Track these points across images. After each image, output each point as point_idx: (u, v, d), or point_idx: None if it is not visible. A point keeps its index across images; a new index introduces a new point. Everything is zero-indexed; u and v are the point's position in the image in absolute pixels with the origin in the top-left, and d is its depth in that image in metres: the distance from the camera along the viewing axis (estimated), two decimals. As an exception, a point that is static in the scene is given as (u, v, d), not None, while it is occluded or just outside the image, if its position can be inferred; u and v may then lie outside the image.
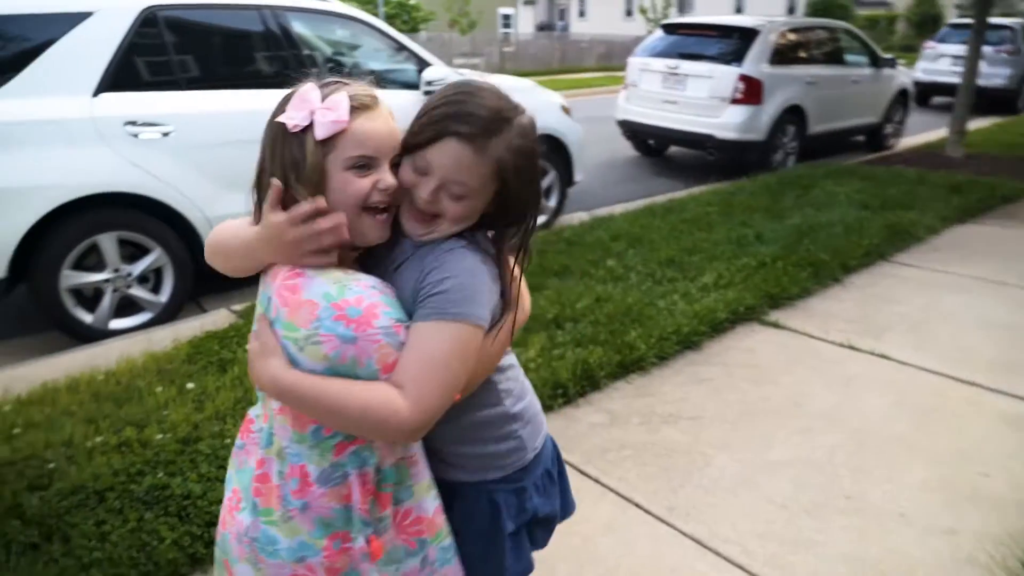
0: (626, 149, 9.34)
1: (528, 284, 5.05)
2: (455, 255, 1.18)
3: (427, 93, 5.07)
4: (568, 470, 2.83)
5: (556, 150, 5.93)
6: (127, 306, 4.07)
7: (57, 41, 3.76)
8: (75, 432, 2.76)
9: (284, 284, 1.13)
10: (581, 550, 2.34)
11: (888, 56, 9.69)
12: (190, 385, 3.15)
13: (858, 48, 9.35)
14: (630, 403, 3.25)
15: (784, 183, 7.08)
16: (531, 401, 1.46)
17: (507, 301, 1.25)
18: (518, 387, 1.41)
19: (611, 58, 23.58)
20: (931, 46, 14.80)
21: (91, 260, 3.92)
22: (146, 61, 4.07)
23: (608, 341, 3.63)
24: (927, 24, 47.67)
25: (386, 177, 1.17)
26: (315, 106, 1.16)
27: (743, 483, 2.69)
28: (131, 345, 3.64)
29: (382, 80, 5.02)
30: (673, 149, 9.50)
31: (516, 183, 1.19)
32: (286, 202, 1.15)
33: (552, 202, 6.07)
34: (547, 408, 3.14)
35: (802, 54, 8.38)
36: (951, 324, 4.09)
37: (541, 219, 5.96)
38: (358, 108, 1.17)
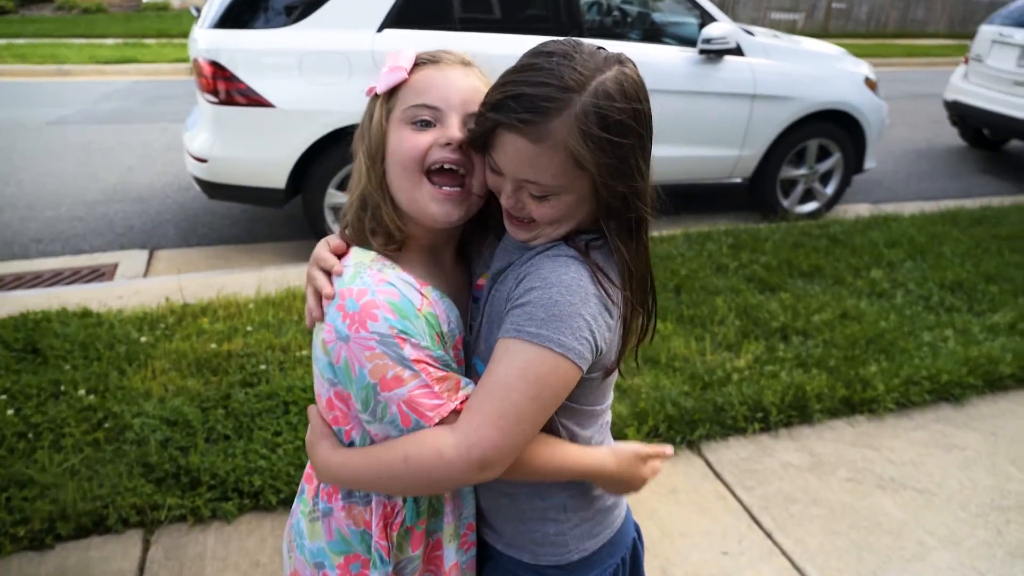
0: (951, 137, 7.78)
1: (766, 282, 4.48)
2: (555, 264, 0.95)
3: (703, 52, 4.64)
4: (738, 511, 2.52)
5: (848, 128, 5.11)
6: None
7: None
8: (292, 340, 3.09)
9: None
10: (720, 610, 2.04)
11: None
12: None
13: None
14: (843, 451, 2.73)
15: None
16: (606, 495, 1.17)
17: (623, 345, 1.01)
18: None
19: (967, 23, 19.71)
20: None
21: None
22: (429, 1, 4.25)
23: (838, 369, 3.07)
24: None
25: (450, 131, 0.99)
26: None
27: None
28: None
29: (658, 34, 4.65)
30: (1014, 143, 7.69)
31: (603, 169, 0.92)
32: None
33: (830, 189, 5.29)
34: (740, 430, 2.77)
35: None
36: None
37: (810, 206, 5.24)
38: (429, 62, 1.03)
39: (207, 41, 3.98)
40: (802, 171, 5.18)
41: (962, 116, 7.32)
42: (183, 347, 3.01)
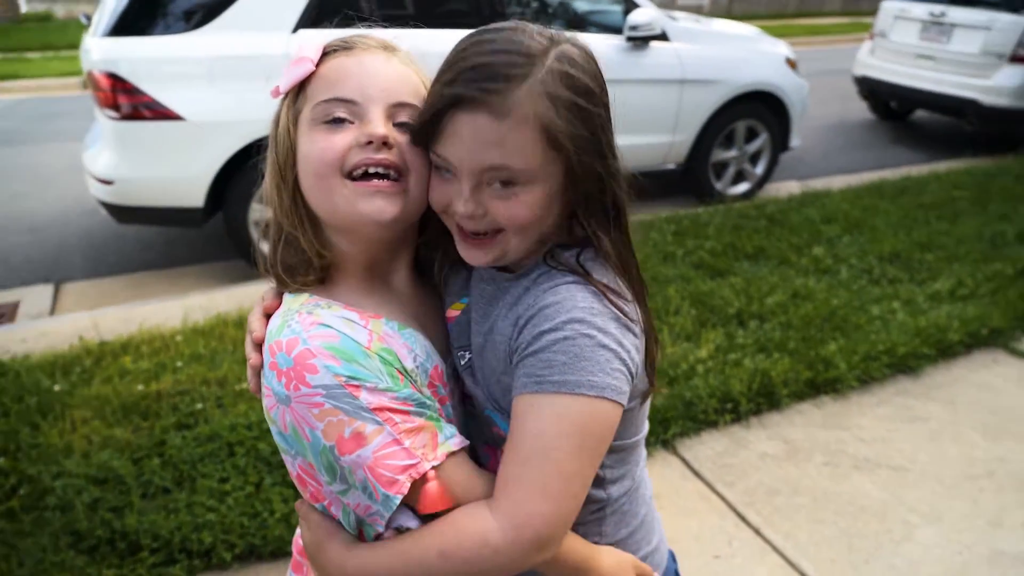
0: (860, 111, 8.05)
1: (714, 267, 4.44)
2: (556, 296, 0.81)
3: (630, 39, 4.58)
4: (723, 510, 2.44)
5: (772, 109, 5.17)
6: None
7: (262, -24, 3.80)
8: (229, 372, 2.82)
9: None
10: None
11: None
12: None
13: None
14: (815, 434, 2.70)
15: (1068, 167, 5.66)
16: (654, 548, 1.03)
17: (652, 363, 0.88)
18: (624, 527, 0.98)
19: (860, 2, 20.75)
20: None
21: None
22: (344, -2, 4.01)
23: (799, 351, 3.05)
24: None
25: (371, 126, 0.82)
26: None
27: (955, 575, 2.09)
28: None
29: (583, 23, 4.51)
30: (918, 114, 8.04)
31: (578, 143, 0.80)
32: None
33: (759, 169, 5.34)
34: (711, 423, 2.70)
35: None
36: None
37: (742, 187, 5.28)
38: (341, 48, 0.87)
39: (102, 52, 3.63)
40: (732, 153, 5.21)
41: (871, 90, 7.59)
42: (105, 392, 2.70)
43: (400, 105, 0.85)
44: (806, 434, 2.70)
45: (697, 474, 2.49)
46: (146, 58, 3.66)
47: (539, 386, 0.78)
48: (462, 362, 0.94)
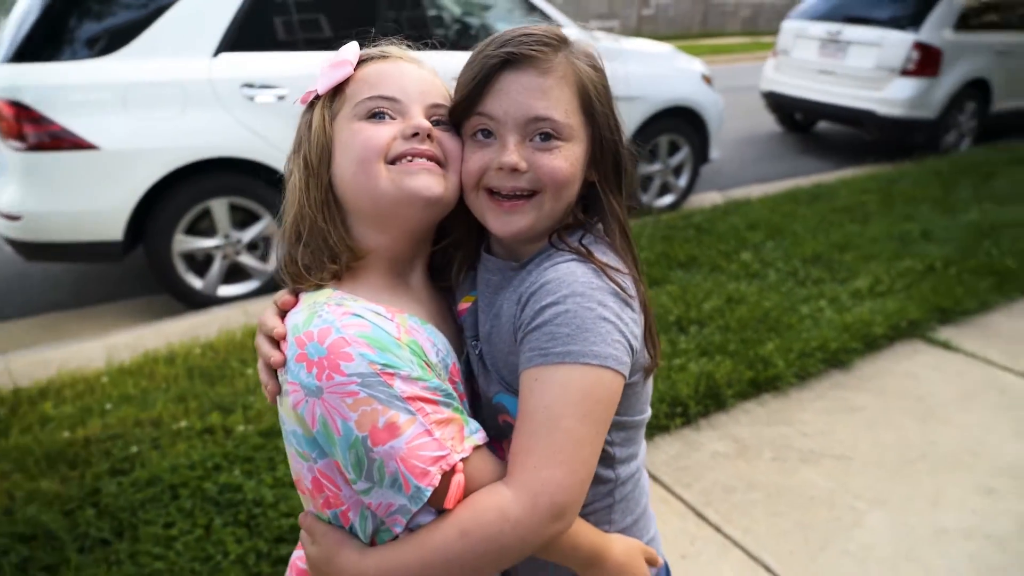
0: (768, 124, 8.49)
1: (650, 276, 4.47)
2: (557, 272, 0.85)
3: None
4: (683, 511, 2.48)
5: (692, 123, 5.36)
6: (236, 273, 4.02)
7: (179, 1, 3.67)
8: (164, 412, 2.67)
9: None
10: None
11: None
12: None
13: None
14: (761, 431, 2.78)
15: (958, 170, 6.11)
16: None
17: (653, 339, 0.91)
18: (630, 515, 1.01)
19: (757, 22, 21.91)
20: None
21: (203, 225, 3.87)
22: (267, 20, 3.92)
23: (739, 352, 3.15)
24: None
25: (415, 119, 0.88)
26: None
27: (904, 555, 2.18)
28: (233, 316, 3.56)
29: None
30: (822, 125, 8.53)
31: (601, 114, 0.91)
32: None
33: (682, 181, 5.52)
34: (663, 428, 2.74)
35: (993, 18, 7.19)
36: None
37: (667, 199, 5.44)
38: (377, 57, 0.93)
39: (4, 79, 3.41)
40: (657, 167, 5.37)
41: (777, 104, 8.01)
42: (25, 442, 2.50)
43: (436, 105, 0.91)
44: (752, 432, 2.78)
45: (655, 478, 2.51)
46: (53, 85, 3.46)
47: (544, 358, 0.80)
48: (475, 352, 0.95)
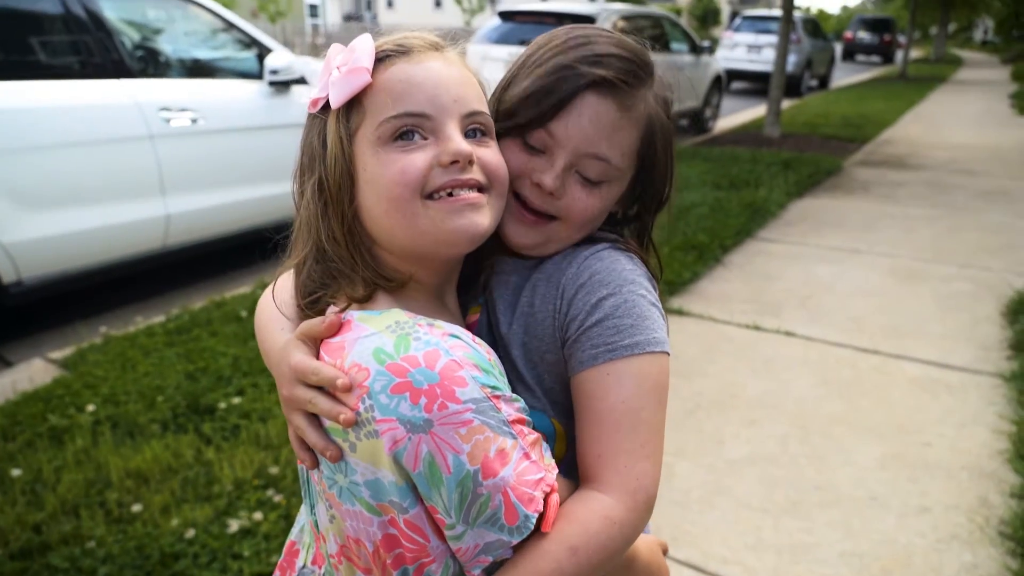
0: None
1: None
2: (603, 260, 0.83)
3: (272, 84, 4.41)
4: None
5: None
6: None
7: None
8: None
9: (326, 345, 0.73)
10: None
11: (705, 44, 10.28)
12: (16, 472, 2.38)
13: (679, 36, 9.79)
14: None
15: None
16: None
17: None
18: None
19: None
20: (729, 36, 16.05)
21: None
22: None
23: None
24: (708, 18, 52.48)
25: (453, 143, 0.73)
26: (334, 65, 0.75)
27: (715, 491, 2.49)
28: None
29: (217, 71, 4.22)
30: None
31: (664, 152, 0.88)
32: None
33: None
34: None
35: (635, 42, 8.58)
36: (832, 295, 4.25)
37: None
38: (396, 53, 0.76)
39: None
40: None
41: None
42: None
43: (472, 114, 0.77)
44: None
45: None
46: None
47: (612, 353, 0.79)
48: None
